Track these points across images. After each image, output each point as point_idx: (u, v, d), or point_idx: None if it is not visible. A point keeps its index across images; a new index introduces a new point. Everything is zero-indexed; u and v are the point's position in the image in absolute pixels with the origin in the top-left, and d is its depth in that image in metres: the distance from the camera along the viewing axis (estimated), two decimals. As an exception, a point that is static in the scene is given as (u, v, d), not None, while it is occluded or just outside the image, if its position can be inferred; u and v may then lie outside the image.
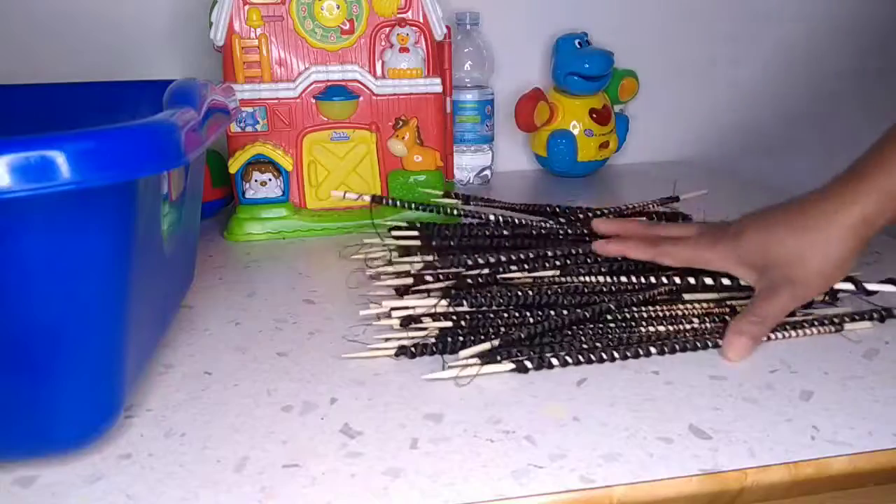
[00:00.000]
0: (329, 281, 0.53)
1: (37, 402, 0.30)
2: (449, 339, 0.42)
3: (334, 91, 0.62)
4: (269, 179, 0.64)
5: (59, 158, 0.24)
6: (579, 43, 0.80)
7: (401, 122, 0.64)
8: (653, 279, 0.48)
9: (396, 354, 0.41)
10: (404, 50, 0.63)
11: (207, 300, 0.50)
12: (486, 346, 0.40)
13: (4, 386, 0.29)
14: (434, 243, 0.53)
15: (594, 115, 0.81)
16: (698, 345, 0.42)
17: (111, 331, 0.31)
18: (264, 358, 0.42)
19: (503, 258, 0.49)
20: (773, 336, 0.43)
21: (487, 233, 0.54)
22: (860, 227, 0.41)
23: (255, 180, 0.63)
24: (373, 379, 0.39)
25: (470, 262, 0.49)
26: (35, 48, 0.75)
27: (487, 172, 0.83)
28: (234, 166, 0.62)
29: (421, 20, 0.63)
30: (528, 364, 0.39)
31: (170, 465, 0.32)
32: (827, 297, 0.47)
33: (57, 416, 0.31)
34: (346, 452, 0.33)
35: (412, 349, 0.41)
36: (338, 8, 0.61)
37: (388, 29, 0.63)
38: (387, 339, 0.43)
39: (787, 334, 0.43)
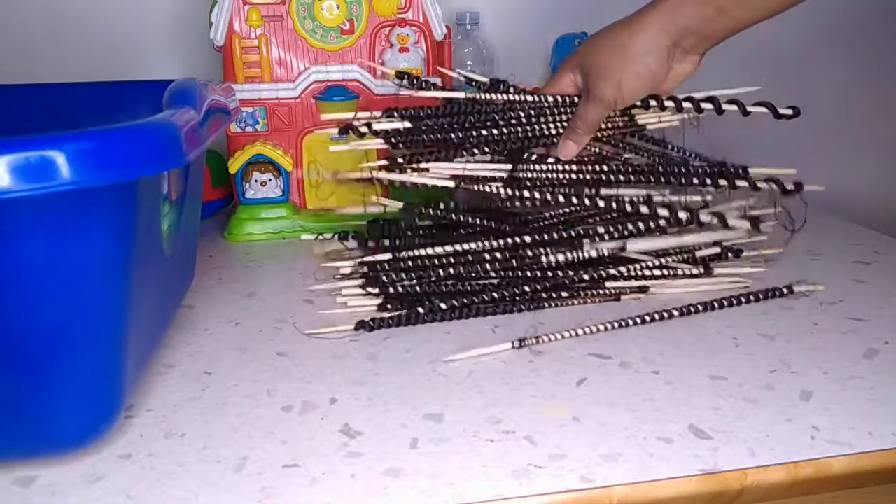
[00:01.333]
0: (329, 281, 0.53)
1: (37, 402, 0.30)
2: (405, 312, 0.45)
3: (334, 91, 0.62)
4: (269, 179, 0.64)
5: (59, 158, 0.24)
6: (579, 43, 0.80)
7: (401, 122, 0.64)
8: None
9: (356, 328, 0.44)
10: (404, 50, 0.63)
11: (207, 300, 0.50)
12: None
13: (4, 386, 0.29)
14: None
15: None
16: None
17: (111, 331, 0.31)
18: (264, 358, 0.42)
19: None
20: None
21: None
22: (654, 36, 0.49)
23: (255, 180, 0.63)
24: (373, 379, 0.39)
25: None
26: (35, 48, 0.75)
27: (487, 172, 0.83)
28: (234, 166, 0.62)
29: (421, 20, 0.63)
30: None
31: (170, 465, 0.32)
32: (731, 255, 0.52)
33: (57, 416, 0.31)
34: (346, 452, 0.33)
35: (370, 323, 0.44)
36: (338, 8, 0.61)
37: (388, 29, 0.63)
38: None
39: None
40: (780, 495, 0.32)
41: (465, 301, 0.46)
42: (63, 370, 0.29)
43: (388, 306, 0.47)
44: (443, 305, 0.46)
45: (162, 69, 0.77)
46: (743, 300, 0.48)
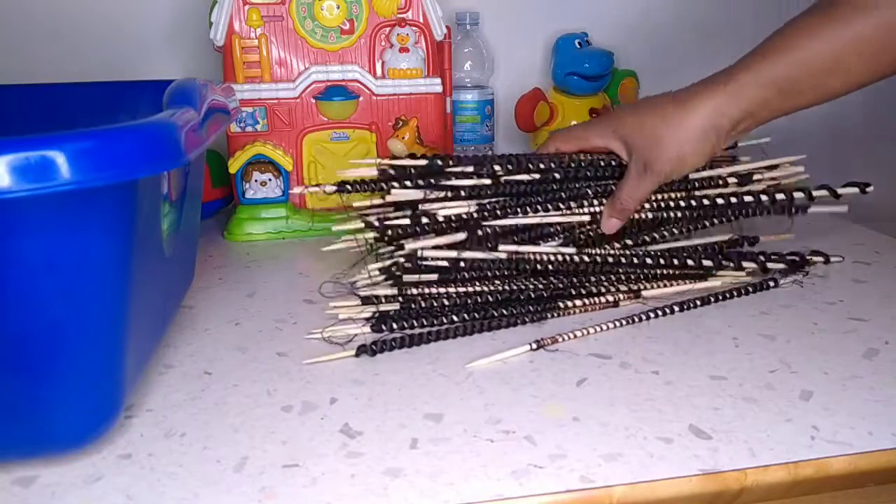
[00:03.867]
0: (329, 281, 0.53)
1: (37, 402, 0.30)
2: (407, 334, 0.43)
3: (334, 91, 0.62)
4: (269, 179, 0.64)
5: (59, 158, 0.24)
6: (579, 43, 0.80)
7: (401, 122, 0.64)
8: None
9: (357, 354, 0.42)
10: (404, 50, 0.63)
11: (207, 300, 0.50)
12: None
13: (4, 386, 0.29)
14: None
15: (594, 115, 0.81)
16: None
17: (111, 331, 0.31)
18: (264, 358, 0.42)
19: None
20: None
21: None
22: (710, 115, 0.47)
23: (255, 180, 0.63)
24: (373, 379, 0.39)
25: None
26: (35, 48, 0.75)
27: (487, 172, 0.83)
28: (234, 166, 0.62)
29: (421, 20, 0.63)
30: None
31: (170, 465, 0.32)
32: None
33: (57, 416, 0.31)
34: (346, 452, 0.33)
35: (372, 347, 0.42)
36: (338, 8, 0.61)
37: (388, 29, 0.63)
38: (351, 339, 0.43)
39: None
40: (780, 495, 0.32)
41: (465, 316, 0.45)
42: (63, 370, 0.29)
43: (384, 327, 0.45)
44: (444, 320, 0.44)
45: (162, 69, 0.77)
46: (743, 292, 0.48)
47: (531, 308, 0.46)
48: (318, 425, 0.35)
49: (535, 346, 0.42)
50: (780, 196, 0.51)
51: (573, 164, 0.50)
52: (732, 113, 0.47)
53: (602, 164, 0.51)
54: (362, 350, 0.42)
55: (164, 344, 0.44)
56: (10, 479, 0.31)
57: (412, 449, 0.33)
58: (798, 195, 0.51)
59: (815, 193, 0.51)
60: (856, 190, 0.52)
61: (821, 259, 0.53)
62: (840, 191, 0.52)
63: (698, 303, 0.48)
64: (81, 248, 0.28)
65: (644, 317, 0.46)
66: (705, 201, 0.51)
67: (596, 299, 0.48)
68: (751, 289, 0.49)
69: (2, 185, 0.23)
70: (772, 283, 0.50)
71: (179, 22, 0.77)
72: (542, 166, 0.49)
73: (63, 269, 0.28)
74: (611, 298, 0.48)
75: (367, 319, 0.45)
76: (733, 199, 0.51)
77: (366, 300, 0.46)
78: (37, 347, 0.29)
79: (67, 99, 0.53)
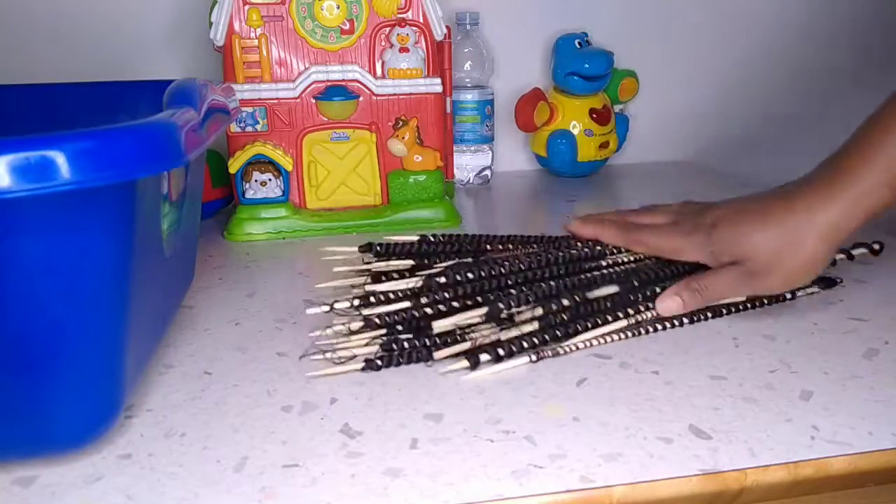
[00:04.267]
0: (328, 281, 0.53)
1: (37, 402, 0.30)
2: (416, 344, 0.41)
3: (334, 91, 0.62)
4: (269, 179, 0.64)
5: (59, 158, 0.24)
6: (579, 43, 0.80)
7: (401, 122, 0.64)
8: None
9: (364, 369, 0.40)
10: (404, 50, 0.63)
11: (207, 300, 0.50)
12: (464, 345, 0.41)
13: (4, 386, 0.29)
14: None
15: (594, 115, 0.81)
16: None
17: (111, 331, 0.31)
18: (264, 358, 0.42)
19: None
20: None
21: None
22: (830, 233, 0.41)
23: (255, 180, 0.63)
24: (373, 379, 0.39)
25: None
26: (35, 48, 0.75)
27: (487, 172, 0.83)
28: (234, 166, 0.62)
29: (421, 20, 0.63)
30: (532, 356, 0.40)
31: (170, 465, 0.32)
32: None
33: (57, 416, 0.31)
34: (346, 452, 0.33)
35: (378, 361, 0.40)
36: (338, 8, 0.61)
37: (388, 29, 0.63)
38: (354, 355, 0.41)
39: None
40: (780, 495, 0.32)
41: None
42: (63, 370, 0.29)
43: (395, 346, 0.42)
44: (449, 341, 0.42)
45: (162, 69, 0.77)
46: (757, 304, 0.48)
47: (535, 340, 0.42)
48: (318, 425, 0.35)
49: (534, 358, 0.40)
50: None
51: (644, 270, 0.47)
52: (855, 223, 0.40)
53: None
54: (369, 365, 0.40)
55: (164, 344, 0.44)
56: (10, 479, 0.31)
57: (412, 449, 0.33)
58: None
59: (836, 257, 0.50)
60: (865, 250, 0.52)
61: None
62: (854, 252, 0.51)
63: (709, 315, 0.46)
64: (81, 248, 0.28)
65: (651, 328, 0.44)
66: None
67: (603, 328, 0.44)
68: (766, 301, 0.47)
69: (2, 185, 0.23)
70: (788, 296, 0.48)
71: (179, 22, 0.77)
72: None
73: (63, 270, 0.28)
74: (621, 324, 0.44)
75: (374, 337, 0.42)
76: None
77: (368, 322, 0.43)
78: (37, 347, 0.29)
79: (67, 99, 0.53)
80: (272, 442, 0.34)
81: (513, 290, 0.44)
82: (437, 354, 0.41)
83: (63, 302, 0.28)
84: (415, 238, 0.50)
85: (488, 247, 0.51)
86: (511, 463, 0.32)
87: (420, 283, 0.44)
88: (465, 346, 0.41)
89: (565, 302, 0.43)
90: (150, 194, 0.33)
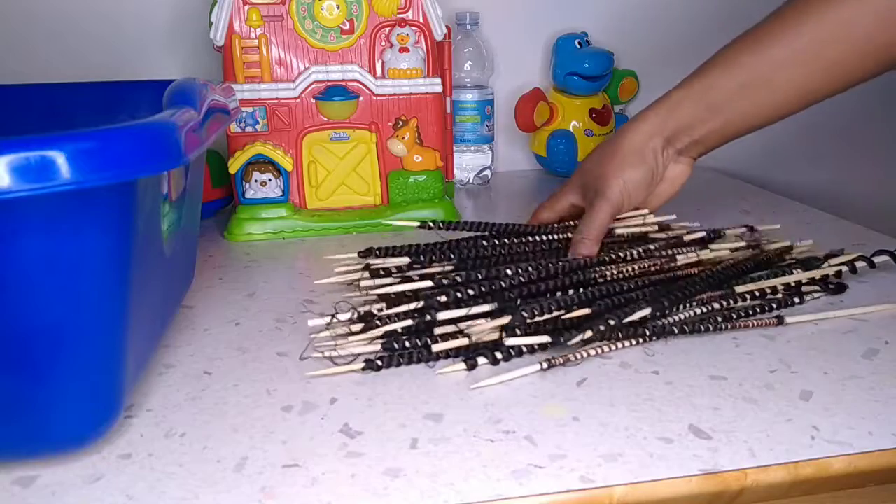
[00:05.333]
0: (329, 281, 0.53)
1: (37, 402, 0.30)
2: (417, 343, 0.41)
3: (334, 91, 0.62)
4: (269, 179, 0.64)
5: (59, 158, 0.24)
6: (579, 43, 0.80)
7: (401, 122, 0.64)
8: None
9: (364, 369, 0.40)
10: (404, 50, 0.63)
11: (207, 300, 0.50)
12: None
13: (4, 386, 0.29)
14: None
15: (594, 115, 0.81)
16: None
17: (111, 331, 0.31)
18: (264, 358, 0.42)
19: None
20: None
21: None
22: (649, 137, 0.50)
23: (255, 180, 0.63)
24: (373, 379, 0.39)
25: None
26: (35, 48, 0.75)
27: (487, 172, 0.83)
28: (234, 166, 0.62)
29: (421, 20, 0.63)
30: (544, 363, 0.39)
31: (170, 465, 0.32)
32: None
33: (57, 416, 0.31)
34: (346, 452, 0.33)
35: (378, 362, 0.40)
36: (338, 8, 0.61)
37: (388, 29, 0.63)
38: (356, 355, 0.41)
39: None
40: (780, 495, 0.32)
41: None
42: (63, 370, 0.29)
43: (396, 345, 0.42)
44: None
45: (162, 69, 0.77)
46: (767, 308, 0.48)
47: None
48: (318, 425, 0.35)
49: (545, 366, 0.39)
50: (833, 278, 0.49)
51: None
52: (665, 131, 0.50)
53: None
54: (369, 366, 0.40)
55: (164, 344, 0.44)
56: (10, 479, 0.31)
57: (412, 449, 0.33)
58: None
59: (857, 266, 0.50)
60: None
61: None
62: (876, 259, 0.51)
63: (723, 326, 0.44)
64: (81, 248, 0.28)
65: (664, 336, 0.43)
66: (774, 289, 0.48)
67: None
68: (774, 305, 0.46)
69: (2, 185, 0.23)
70: (797, 300, 0.47)
71: (179, 22, 0.77)
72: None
73: (63, 269, 0.28)
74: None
75: (376, 337, 0.43)
76: (792, 284, 0.48)
77: (367, 320, 0.43)
78: (37, 347, 0.29)
79: (67, 99, 0.53)
80: (272, 442, 0.34)
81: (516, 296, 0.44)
82: (436, 347, 0.41)
83: (63, 302, 0.28)
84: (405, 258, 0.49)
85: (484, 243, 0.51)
86: (511, 463, 0.32)
87: (421, 286, 0.45)
88: (465, 342, 0.41)
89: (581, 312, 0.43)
90: (150, 194, 0.33)
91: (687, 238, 0.53)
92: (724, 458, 0.32)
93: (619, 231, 0.53)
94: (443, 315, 0.42)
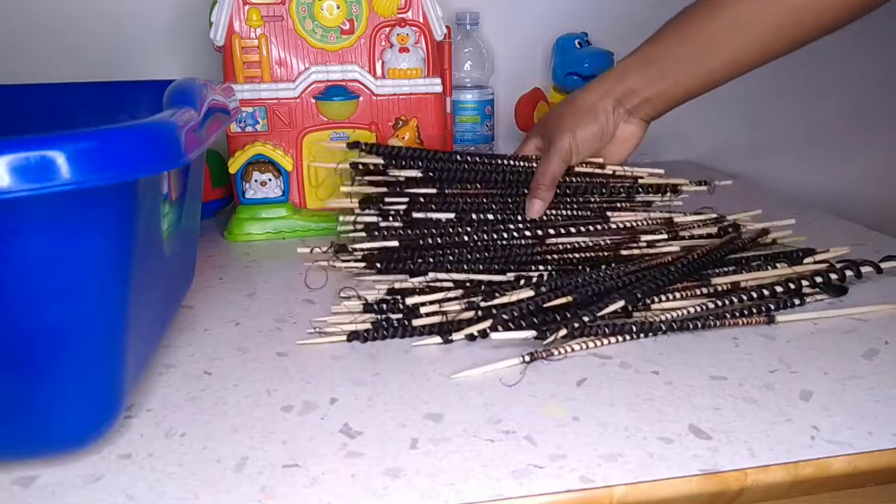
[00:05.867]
0: (329, 280, 0.53)
1: (37, 402, 0.30)
2: (406, 323, 0.44)
3: (334, 91, 0.62)
4: (269, 179, 0.64)
5: (59, 158, 0.24)
6: (579, 43, 0.80)
7: (401, 122, 0.64)
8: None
9: (349, 339, 0.43)
10: (404, 50, 0.63)
11: (207, 300, 0.50)
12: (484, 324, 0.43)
13: (4, 386, 0.29)
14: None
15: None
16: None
17: (111, 331, 0.31)
18: (264, 358, 0.42)
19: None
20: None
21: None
22: (601, 95, 0.55)
23: (255, 180, 0.63)
24: (373, 379, 0.39)
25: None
26: (35, 48, 0.75)
27: (487, 172, 0.83)
28: (234, 166, 0.62)
29: (421, 20, 0.63)
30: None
31: (170, 465, 0.32)
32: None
33: (57, 416, 0.31)
34: (346, 452, 0.33)
35: (364, 334, 0.43)
36: (338, 8, 0.61)
37: (388, 29, 0.63)
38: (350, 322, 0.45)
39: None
40: (780, 495, 0.32)
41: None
42: (63, 370, 0.29)
43: (375, 308, 0.46)
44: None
45: (162, 69, 0.77)
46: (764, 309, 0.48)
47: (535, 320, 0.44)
48: (318, 425, 0.35)
49: (528, 358, 0.40)
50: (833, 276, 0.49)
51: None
52: (616, 92, 0.55)
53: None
54: (353, 336, 0.43)
55: (164, 344, 0.44)
56: (10, 479, 0.31)
57: (412, 449, 0.33)
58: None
59: (862, 270, 0.50)
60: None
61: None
62: (884, 265, 0.51)
63: (717, 323, 0.44)
64: (81, 248, 0.28)
65: (651, 332, 0.43)
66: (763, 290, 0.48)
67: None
68: (772, 305, 0.46)
69: (2, 185, 0.23)
70: (797, 301, 0.47)
71: (179, 22, 0.77)
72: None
73: (63, 269, 0.28)
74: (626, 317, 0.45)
75: (364, 309, 0.47)
76: (791, 286, 0.47)
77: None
78: (37, 347, 0.29)
79: (67, 99, 0.53)
80: (272, 442, 0.34)
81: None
82: (417, 322, 0.44)
83: (63, 302, 0.28)
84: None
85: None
86: (511, 463, 0.32)
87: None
88: (438, 318, 0.44)
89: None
90: (150, 194, 0.33)
91: (648, 184, 0.58)
92: (724, 458, 0.32)
93: (578, 169, 0.57)
94: (416, 299, 0.46)
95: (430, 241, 0.52)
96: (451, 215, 0.54)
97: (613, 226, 0.54)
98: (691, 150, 0.95)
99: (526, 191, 0.55)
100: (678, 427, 0.34)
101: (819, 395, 0.37)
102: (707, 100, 0.94)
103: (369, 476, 0.31)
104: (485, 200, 0.55)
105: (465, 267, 0.50)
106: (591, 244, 0.52)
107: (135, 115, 0.29)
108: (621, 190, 0.57)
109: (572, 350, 0.42)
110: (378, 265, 0.52)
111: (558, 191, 0.55)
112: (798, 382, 0.38)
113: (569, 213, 0.56)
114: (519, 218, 0.54)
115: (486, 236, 0.52)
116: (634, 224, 0.55)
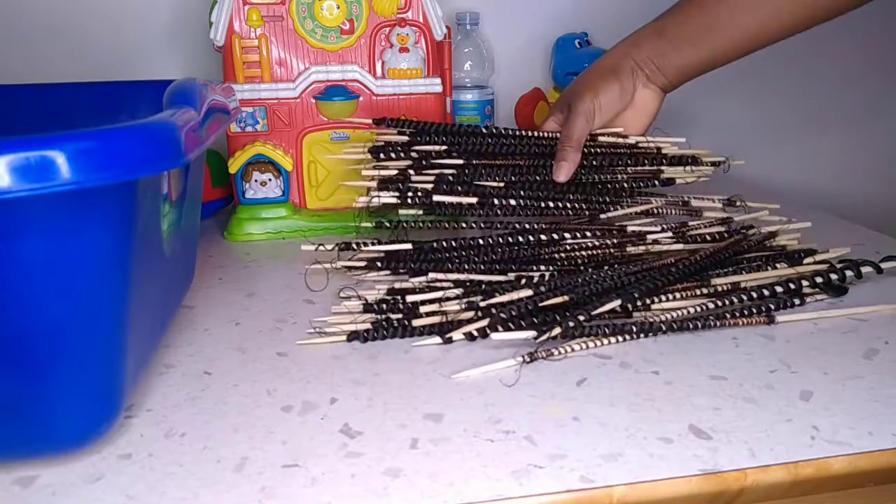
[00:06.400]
0: (329, 280, 0.53)
1: (37, 401, 0.30)
2: (406, 323, 0.44)
3: (334, 91, 0.62)
4: (269, 179, 0.64)
5: (59, 158, 0.24)
6: (579, 43, 0.80)
7: (401, 122, 0.64)
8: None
9: (349, 339, 0.43)
10: (404, 50, 0.63)
11: (207, 300, 0.50)
12: (482, 322, 0.43)
13: (4, 386, 0.29)
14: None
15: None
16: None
17: (111, 331, 0.31)
18: (264, 358, 0.42)
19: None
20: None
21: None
22: (619, 60, 0.58)
23: (255, 180, 0.63)
24: (373, 379, 0.39)
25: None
26: (35, 48, 0.75)
27: (487, 172, 0.83)
28: (234, 166, 0.62)
29: (421, 20, 0.63)
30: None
31: (170, 465, 0.32)
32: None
33: (57, 416, 0.31)
34: (346, 452, 0.33)
35: (364, 334, 0.43)
36: (338, 8, 0.61)
37: (388, 29, 0.63)
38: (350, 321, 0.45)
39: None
40: (780, 495, 0.32)
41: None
42: (63, 370, 0.29)
43: (375, 308, 0.47)
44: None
45: (162, 69, 0.77)
46: (763, 308, 0.48)
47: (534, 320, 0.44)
48: (318, 425, 0.35)
49: (527, 358, 0.40)
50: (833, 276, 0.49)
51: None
52: (633, 53, 0.57)
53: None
54: (354, 336, 0.43)
55: (164, 344, 0.44)
56: (10, 479, 0.31)
57: (412, 449, 0.33)
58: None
59: (863, 270, 0.50)
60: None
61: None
62: (884, 265, 0.51)
63: (717, 323, 0.44)
64: (81, 248, 0.28)
65: (652, 332, 0.43)
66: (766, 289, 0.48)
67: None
68: (772, 305, 0.46)
69: (2, 185, 0.23)
70: (797, 301, 0.47)
71: (179, 22, 0.77)
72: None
73: (63, 269, 0.28)
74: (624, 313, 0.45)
75: (364, 309, 0.47)
76: (792, 286, 0.47)
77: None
78: (37, 347, 0.29)
79: (67, 99, 0.53)
80: (272, 442, 0.34)
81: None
82: (417, 323, 0.44)
83: (63, 302, 0.28)
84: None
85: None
86: (511, 463, 0.32)
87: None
88: (438, 318, 0.44)
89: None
90: (150, 194, 0.33)
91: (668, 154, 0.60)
92: (724, 458, 0.32)
93: (601, 139, 0.59)
94: (416, 297, 0.46)
95: (443, 244, 0.51)
96: (474, 200, 0.54)
97: (634, 213, 0.56)
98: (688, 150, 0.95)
99: (551, 162, 0.56)
100: (678, 427, 0.34)
101: (819, 395, 0.37)
102: (707, 99, 0.94)
103: (369, 476, 0.31)
104: (514, 179, 0.55)
105: (467, 267, 0.50)
106: (596, 243, 0.52)
107: (135, 115, 0.29)
108: (645, 161, 0.58)
109: (572, 350, 0.42)
110: (379, 265, 0.51)
111: (584, 161, 0.56)
112: (798, 382, 0.38)
113: (598, 178, 0.57)
114: (541, 203, 0.55)
115: (500, 239, 0.51)
116: (656, 210, 0.57)
